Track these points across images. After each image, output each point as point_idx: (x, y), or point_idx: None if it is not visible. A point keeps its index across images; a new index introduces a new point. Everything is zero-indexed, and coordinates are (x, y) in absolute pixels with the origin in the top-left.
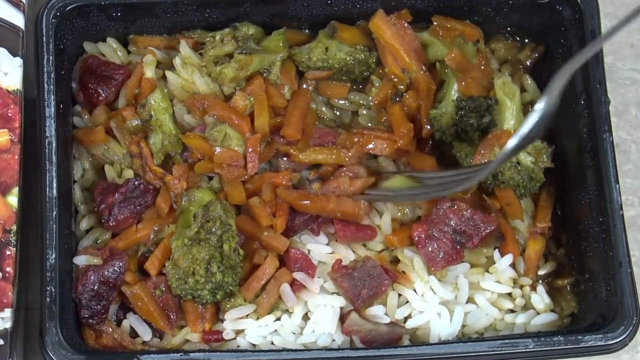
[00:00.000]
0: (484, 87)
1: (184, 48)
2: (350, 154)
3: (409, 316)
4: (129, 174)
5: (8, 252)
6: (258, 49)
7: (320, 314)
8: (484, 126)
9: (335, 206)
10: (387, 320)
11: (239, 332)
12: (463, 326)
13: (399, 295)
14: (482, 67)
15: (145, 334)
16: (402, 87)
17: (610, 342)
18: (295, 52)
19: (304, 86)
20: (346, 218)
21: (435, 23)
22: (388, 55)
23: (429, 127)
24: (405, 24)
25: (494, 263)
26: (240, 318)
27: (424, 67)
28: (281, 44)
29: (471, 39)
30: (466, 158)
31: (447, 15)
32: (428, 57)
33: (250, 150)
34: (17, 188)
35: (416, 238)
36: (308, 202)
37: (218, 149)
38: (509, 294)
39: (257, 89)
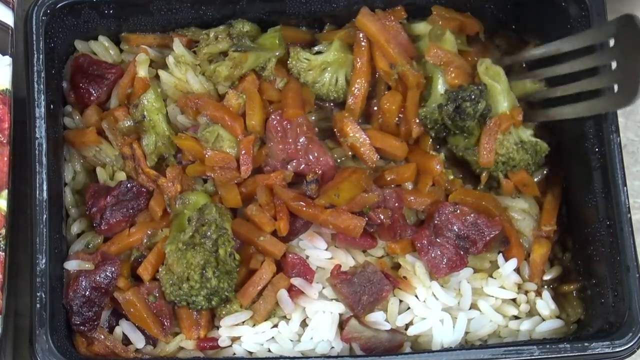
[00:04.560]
0: (469, 75)
1: (178, 46)
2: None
3: (411, 323)
4: (121, 176)
5: None
6: (253, 46)
7: (318, 320)
8: (480, 112)
9: (329, 218)
10: (387, 327)
11: (235, 339)
12: (466, 333)
13: (400, 301)
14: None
15: (139, 341)
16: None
17: (617, 350)
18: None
19: None
20: (339, 232)
21: (434, 12)
22: (376, 52)
23: (417, 127)
24: (392, 19)
25: (498, 268)
26: (236, 325)
27: (414, 62)
28: (277, 42)
29: (471, 32)
30: (466, 151)
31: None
32: (420, 50)
33: (243, 152)
34: (6, 191)
35: (419, 245)
36: (302, 206)
37: (209, 152)
38: (514, 300)
39: (250, 86)
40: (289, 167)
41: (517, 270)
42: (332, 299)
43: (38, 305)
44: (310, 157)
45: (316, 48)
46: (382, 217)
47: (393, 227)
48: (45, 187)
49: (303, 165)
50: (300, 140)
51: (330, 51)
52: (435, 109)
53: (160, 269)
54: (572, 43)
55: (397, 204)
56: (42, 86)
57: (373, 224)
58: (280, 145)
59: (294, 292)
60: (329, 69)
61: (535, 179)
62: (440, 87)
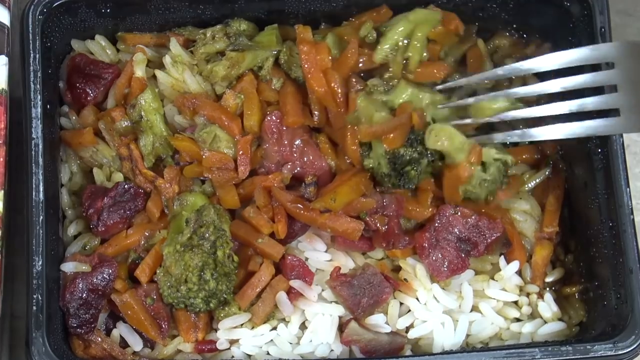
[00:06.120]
0: (411, 124)
1: (175, 46)
2: None
3: (411, 326)
4: (118, 177)
5: None
6: (250, 44)
7: (318, 323)
8: (425, 167)
9: (326, 222)
10: (388, 329)
11: (233, 342)
12: (467, 336)
13: (401, 303)
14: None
15: (136, 344)
16: None
17: (620, 352)
18: None
19: None
20: (337, 235)
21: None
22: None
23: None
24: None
25: (500, 270)
26: (235, 327)
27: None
28: (275, 38)
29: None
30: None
31: (452, 11)
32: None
33: (241, 152)
34: (2, 192)
35: (419, 247)
36: (299, 209)
37: (206, 153)
38: (515, 302)
39: (248, 86)
40: (283, 169)
41: (519, 272)
42: (331, 302)
43: (34, 308)
44: (305, 160)
45: None
46: (377, 223)
47: (387, 236)
48: (41, 188)
49: (298, 169)
50: (296, 143)
51: None
52: (379, 165)
53: (157, 271)
54: (560, 60)
55: (396, 210)
56: (38, 86)
57: (369, 230)
58: (275, 147)
59: (293, 295)
60: None
61: (537, 180)
62: (379, 150)
